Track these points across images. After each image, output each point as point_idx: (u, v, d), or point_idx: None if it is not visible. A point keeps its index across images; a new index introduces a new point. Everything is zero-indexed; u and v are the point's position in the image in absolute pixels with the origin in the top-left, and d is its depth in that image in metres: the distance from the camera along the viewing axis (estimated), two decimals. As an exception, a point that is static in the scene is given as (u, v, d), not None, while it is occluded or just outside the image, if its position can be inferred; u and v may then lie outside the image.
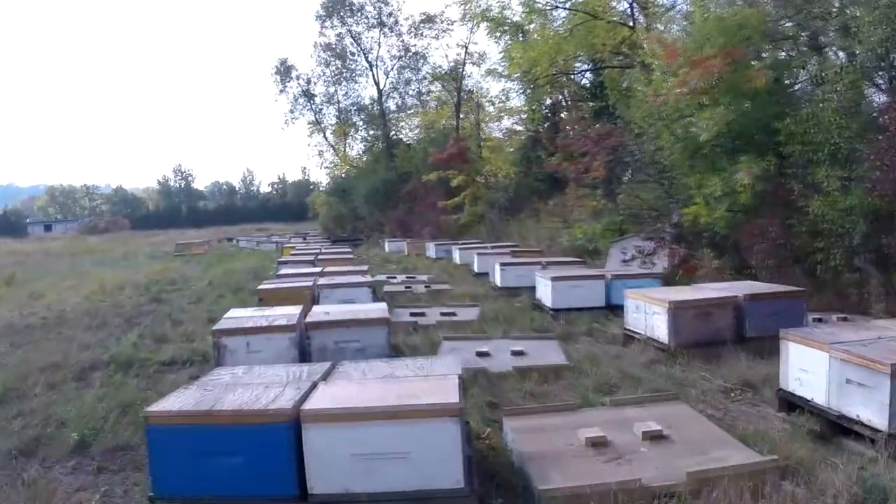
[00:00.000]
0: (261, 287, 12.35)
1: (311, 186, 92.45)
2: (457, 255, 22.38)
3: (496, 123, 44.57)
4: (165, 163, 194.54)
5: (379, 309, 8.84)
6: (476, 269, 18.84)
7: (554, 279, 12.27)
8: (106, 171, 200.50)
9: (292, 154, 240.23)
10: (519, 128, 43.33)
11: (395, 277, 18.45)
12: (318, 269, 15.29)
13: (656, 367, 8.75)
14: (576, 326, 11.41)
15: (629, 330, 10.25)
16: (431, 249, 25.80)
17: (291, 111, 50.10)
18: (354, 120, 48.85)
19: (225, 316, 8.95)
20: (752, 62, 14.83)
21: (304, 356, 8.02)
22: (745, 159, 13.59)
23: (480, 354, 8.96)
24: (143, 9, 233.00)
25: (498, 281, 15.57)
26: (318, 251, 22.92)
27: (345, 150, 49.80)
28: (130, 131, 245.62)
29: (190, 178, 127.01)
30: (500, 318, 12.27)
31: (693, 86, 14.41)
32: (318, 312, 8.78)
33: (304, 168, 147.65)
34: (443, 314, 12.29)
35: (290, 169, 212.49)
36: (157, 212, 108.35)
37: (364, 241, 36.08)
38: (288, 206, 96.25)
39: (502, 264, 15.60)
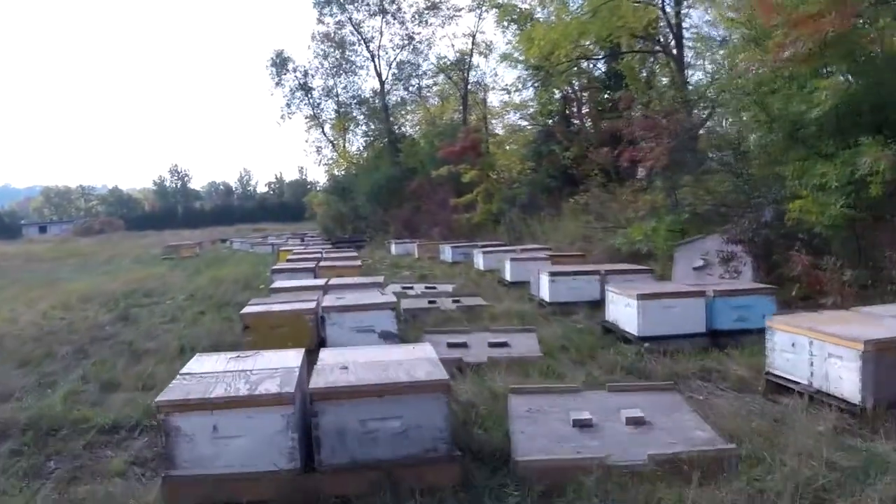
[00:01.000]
0: (246, 310, 9.02)
1: (309, 186, 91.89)
2: (479, 260, 19.05)
3: (503, 118, 41.32)
4: (162, 163, 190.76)
5: (430, 362, 5.43)
6: (508, 278, 15.53)
7: (642, 297, 8.94)
8: (103, 171, 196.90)
9: (290, 153, 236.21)
10: (524, 123, 40.26)
11: (411, 288, 15.09)
12: (321, 282, 11.92)
13: (844, 439, 5.51)
14: (677, 363, 8.11)
15: (776, 375, 6.97)
16: (447, 252, 22.43)
17: (288, 105, 46.65)
18: (354, 114, 45.39)
19: (183, 371, 5.59)
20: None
21: (308, 441, 4.76)
22: (869, 141, 10.32)
23: (581, 425, 5.58)
24: (138, 7, 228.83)
25: (546, 295, 12.24)
26: (319, 255, 19.52)
27: (344, 146, 46.41)
28: (128, 131, 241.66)
29: (186, 179, 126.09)
30: (571, 349, 8.97)
31: (797, 50, 11.11)
32: (330, 366, 5.44)
33: (302, 168, 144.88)
34: (491, 344, 8.94)
35: (287, 168, 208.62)
36: (153, 212, 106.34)
37: (367, 242, 32.72)
38: (285, 205, 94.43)
39: (552, 274, 12.24)
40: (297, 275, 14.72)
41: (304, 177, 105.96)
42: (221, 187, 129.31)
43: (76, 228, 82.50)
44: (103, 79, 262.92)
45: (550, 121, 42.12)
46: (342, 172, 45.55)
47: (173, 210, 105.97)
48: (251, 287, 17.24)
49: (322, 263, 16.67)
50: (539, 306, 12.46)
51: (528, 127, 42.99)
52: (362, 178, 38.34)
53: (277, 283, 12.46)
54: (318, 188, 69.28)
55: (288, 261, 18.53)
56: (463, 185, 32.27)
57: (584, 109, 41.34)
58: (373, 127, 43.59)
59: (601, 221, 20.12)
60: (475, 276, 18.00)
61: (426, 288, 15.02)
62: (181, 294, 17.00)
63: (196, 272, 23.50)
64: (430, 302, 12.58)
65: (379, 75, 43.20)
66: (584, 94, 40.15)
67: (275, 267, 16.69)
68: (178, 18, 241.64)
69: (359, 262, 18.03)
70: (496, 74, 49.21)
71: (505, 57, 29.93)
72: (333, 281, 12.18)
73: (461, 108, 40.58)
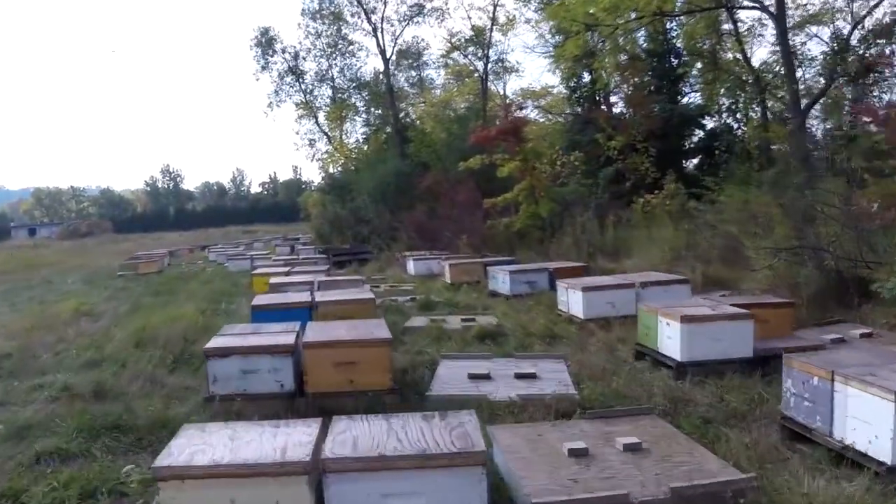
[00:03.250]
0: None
1: (303, 186, 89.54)
2: (572, 299, 10.91)
3: (528, 103, 33.29)
4: (156, 163, 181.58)
5: None
6: (679, 357, 7.49)
7: None
8: (98, 173, 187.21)
9: (283, 152, 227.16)
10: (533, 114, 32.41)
11: (488, 378, 7.07)
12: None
13: None
14: None
15: None
16: (503, 280, 14.18)
17: (276, 92, 38.39)
18: (353, 100, 37.16)
19: None
20: None
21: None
22: None
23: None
24: (130, 6, 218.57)
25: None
26: (311, 287, 11.58)
27: (341, 138, 38.16)
28: (122, 132, 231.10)
29: (179, 179, 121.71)
30: None
31: None
32: None
33: (296, 167, 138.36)
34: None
35: (281, 168, 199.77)
36: (144, 214, 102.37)
37: (374, 254, 24.54)
38: (279, 206, 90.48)
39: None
40: (264, 358, 6.76)
41: (298, 176, 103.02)
42: (215, 187, 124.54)
43: (62, 231, 77.63)
44: (96, 79, 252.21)
45: (580, 107, 34.40)
46: (339, 169, 37.39)
47: (165, 211, 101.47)
48: (186, 359, 9.27)
49: (320, 297, 9.04)
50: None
51: (553, 117, 35.40)
52: (364, 173, 30.22)
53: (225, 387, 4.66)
54: (312, 187, 61.46)
55: (265, 300, 10.48)
56: (493, 181, 24.35)
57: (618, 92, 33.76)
58: (376, 113, 35.17)
59: (749, 233, 12.12)
60: (584, 335, 9.88)
61: (517, 377, 6.95)
62: (64, 374, 8.89)
63: (134, 309, 15.45)
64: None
65: (382, 52, 34.95)
66: (621, 74, 32.43)
67: (257, 303, 8.95)
68: (169, 16, 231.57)
69: (370, 296, 10.11)
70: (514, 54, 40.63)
71: (555, 11, 21.59)
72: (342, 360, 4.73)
73: (480, 91, 32.48)
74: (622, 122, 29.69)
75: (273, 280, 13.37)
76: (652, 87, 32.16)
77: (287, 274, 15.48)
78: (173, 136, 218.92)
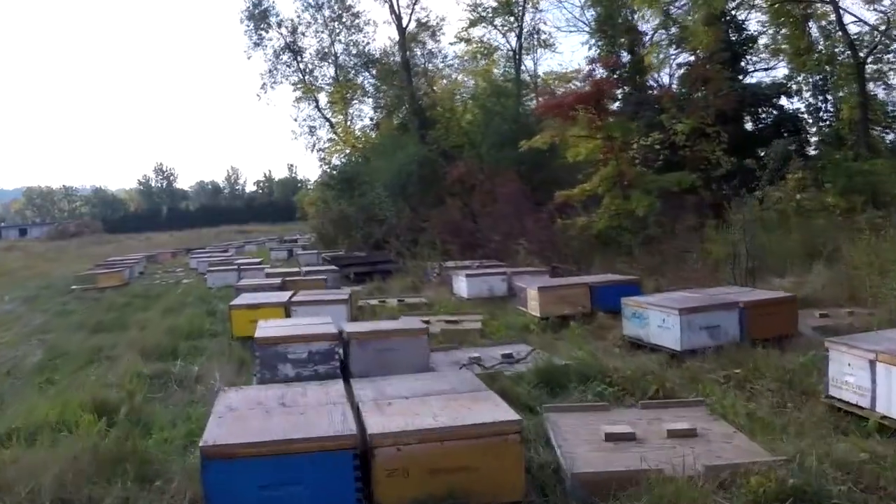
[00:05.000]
0: None
1: (300, 184, 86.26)
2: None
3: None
4: (149, 162, 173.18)
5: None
6: None
7: None
8: (93, 172, 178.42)
9: (279, 150, 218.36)
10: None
11: None
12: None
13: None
14: None
15: None
16: (666, 323, 7.77)
17: (271, 72, 31.71)
18: (361, 79, 30.59)
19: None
20: None
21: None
22: None
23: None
24: (121, 4, 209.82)
25: None
26: (336, 358, 5.41)
27: (346, 123, 31.48)
28: (116, 130, 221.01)
29: (172, 178, 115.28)
30: None
31: None
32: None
33: (292, 165, 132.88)
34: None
35: (276, 166, 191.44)
36: (137, 213, 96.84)
37: (399, 264, 18.01)
38: (275, 205, 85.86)
39: None
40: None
41: (294, 174, 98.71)
42: (209, 187, 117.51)
43: (50, 231, 72.97)
44: (91, 77, 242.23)
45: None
46: (343, 160, 30.76)
47: (158, 211, 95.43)
48: None
49: (376, 422, 3.64)
50: None
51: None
52: (378, 163, 23.65)
53: None
54: (309, 185, 55.25)
55: (262, 356, 4.38)
56: (544, 169, 18.05)
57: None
58: (389, 94, 28.43)
59: None
60: None
61: None
62: None
63: (40, 368, 9.00)
64: None
65: (398, 19, 28.17)
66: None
67: (220, 441, 3.32)
68: (162, 11, 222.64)
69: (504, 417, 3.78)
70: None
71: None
72: None
73: (512, 66, 26.02)
74: (690, 103, 23.25)
75: (264, 328, 7.05)
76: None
77: (287, 307, 9.19)
78: (167, 135, 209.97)
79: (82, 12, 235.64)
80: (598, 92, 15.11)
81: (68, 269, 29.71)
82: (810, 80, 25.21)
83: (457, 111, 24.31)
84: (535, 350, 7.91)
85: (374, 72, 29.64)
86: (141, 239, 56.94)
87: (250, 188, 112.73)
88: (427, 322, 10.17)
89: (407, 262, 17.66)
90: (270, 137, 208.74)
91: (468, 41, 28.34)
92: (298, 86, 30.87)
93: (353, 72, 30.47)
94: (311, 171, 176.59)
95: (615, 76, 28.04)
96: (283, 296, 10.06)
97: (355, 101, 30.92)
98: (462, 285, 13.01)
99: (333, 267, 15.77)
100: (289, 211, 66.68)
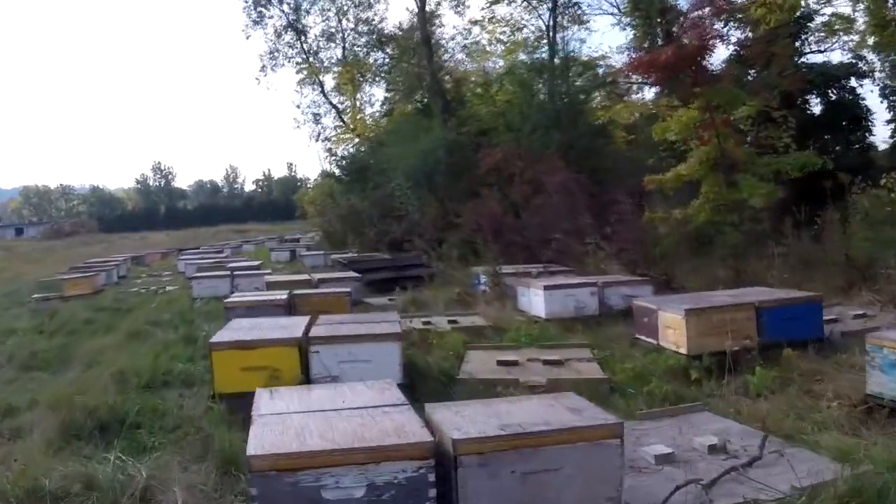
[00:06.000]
0: None
1: (299, 183, 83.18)
2: None
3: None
4: (148, 160, 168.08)
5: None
6: None
7: None
8: (91, 171, 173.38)
9: (278, 149, 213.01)
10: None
11: None
12: None
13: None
14: None
15: None
16: None
17: (272, 53, 27.78)
18: (372, 58, 26.64)
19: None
20: None
21: None
22: None
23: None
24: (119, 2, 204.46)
25: None
26: (425, 477, 2.67)
27: (355, 107, 27.49)
28: (115, 129, 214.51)
29: (170, 177, 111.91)
30: None
31: None
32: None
33: (291, 164, 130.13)
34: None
35: (275, 165, 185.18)
36: (134, 212, 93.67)
37: (434, 269, 14.18)
38: (274, 204, 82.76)
39: None
40: None
41: (293, 173, 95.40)
42: (208, 186, 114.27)
43: (45, 231, 70.42)
44: (89, 75, 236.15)
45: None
46: (352, 149, 26.85)
47: (155, 210, 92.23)
48: None
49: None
50: None
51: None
52: (397, 149, 19.76)
53: None
54: (309, 184, 51.54)
55: None
56: (600, 154, 14.41)
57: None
58: (408, 72, 24.44)
59: None
60: None
61: None
62: None
63: None
64: None
65: (417, -13, 24.13)
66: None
67: None
68: (161, 9, 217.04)
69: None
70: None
71: None
72: None
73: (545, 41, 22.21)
74: (752, 84, 19.45)
75: (267, 422, 3.29)
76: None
77: (303, 347, 5.53)
78: (166, 134, 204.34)
79: (82, 10, 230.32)
80: (700, 50, 11.37)
81: (47, 272, 25.89)
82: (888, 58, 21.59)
83: (489, 89, 20.52)
84: (767, 438, 4.19)
85: (388, 50, 25.74)
86: (136, 238, 53.19)
87: (249, 187, 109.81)
88: (513, 363, 6.47)
89: (442, 266, 13.89)
90: (270, 136, 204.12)
91: (492, 20, 24.54)
92: (303, 66, 26.95)
93: (363, 51, 26.60)
94: (310, 169, 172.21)
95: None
96: (296, 325, 6.30)
97: (366, 84, 27.09)
98: (537, 300, 9.23)
99: (353, 273, 11.97)
100: (288, 210, 63.55)
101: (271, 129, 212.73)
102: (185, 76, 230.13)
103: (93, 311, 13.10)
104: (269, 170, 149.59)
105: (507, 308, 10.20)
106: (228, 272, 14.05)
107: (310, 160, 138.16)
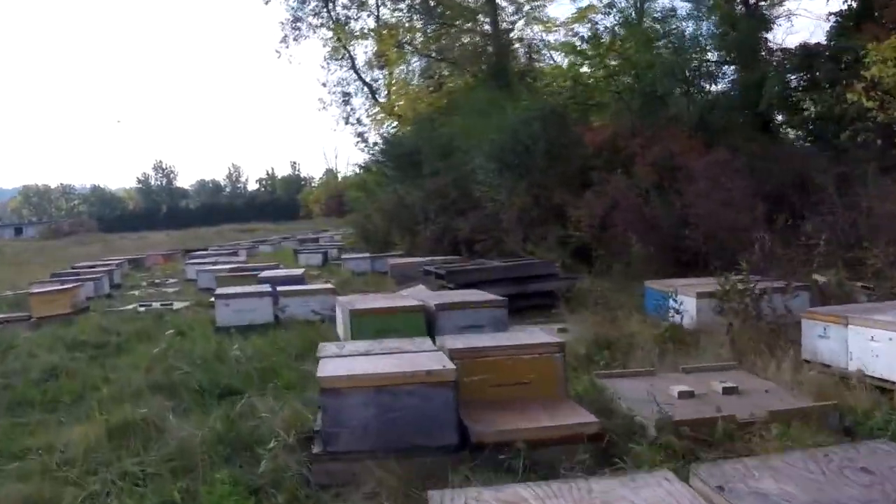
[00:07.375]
0: None
1: (303, 182, 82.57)
2: None
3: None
4: (149, 159, 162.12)
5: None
6: None
7: None
8: (91, 170, 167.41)
9: (282, 147, 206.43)
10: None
11: None
12: None
13: None
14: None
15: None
16: None
17: (294, 22, 22.84)
18: (413, 21, 21.67)
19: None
20: None
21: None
22: None
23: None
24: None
25: None
26: None
27: (392, 82, 22.49)
28: (115, 128, 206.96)
29: (172, 176, 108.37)
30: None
31: None
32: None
33: (295, 163, 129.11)
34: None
35: (279, 163, 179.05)
36: (135, 212, 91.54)
37: (573, 280, 9.33)
38: (277, 203, 79.34)
39: None
40: None
41: (297, 172, 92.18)
42: (210, 185, 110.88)
43: (44, 230, 68.10)
44: (87, 73, 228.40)
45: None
46: (389, 130, 21.92)
47: (157, 209, 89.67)
48: None
49: None
50: None
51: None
52: (473, 120, 14.80)
53: None
54: (317, 178, 46.73)
55: None
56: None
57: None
58: (467, 38, 19.53)
59: None
60: None
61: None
62: None
63: None
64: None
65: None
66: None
67: None
68: (162, 7, 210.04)
69: None
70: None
71: None
72: None
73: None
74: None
75: None
76: None
77: None
78: (167, 133, 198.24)
79: (81, 9, 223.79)
80: None
81: (30, 278, 20.98)
82: None
83: (585, 51, 15.60)
84: None
85: (439, 10, 20.77)
86: (135, 238, 49.27)
87: (252, 186, 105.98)
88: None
89: (590, 280, 9.14)
90: (273, 134, 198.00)
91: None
92: (332, 35, 22.06)
93: (406, 16, 21.70)
94: (315, 168, 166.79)
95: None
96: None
97: (411, 55, 21.98)
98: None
99: (490, 296, 7.09)
100: (293, 209, 62.35)
101: (275, 128, 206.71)
102: (187, 75, 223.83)
103: (65, 348, 8.23)
104: (272, 169, 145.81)
105: (788, 358, 5.43)
106: (269, 287, 9.08)
107: (313, 159, 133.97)
